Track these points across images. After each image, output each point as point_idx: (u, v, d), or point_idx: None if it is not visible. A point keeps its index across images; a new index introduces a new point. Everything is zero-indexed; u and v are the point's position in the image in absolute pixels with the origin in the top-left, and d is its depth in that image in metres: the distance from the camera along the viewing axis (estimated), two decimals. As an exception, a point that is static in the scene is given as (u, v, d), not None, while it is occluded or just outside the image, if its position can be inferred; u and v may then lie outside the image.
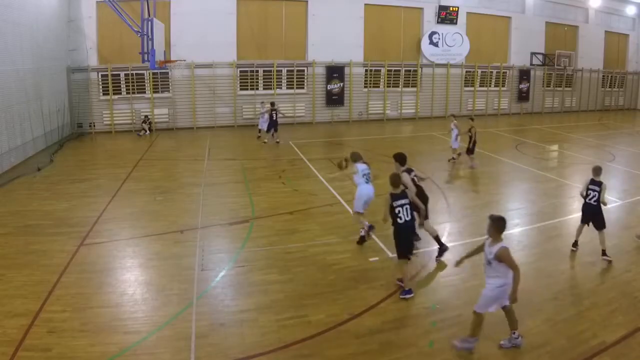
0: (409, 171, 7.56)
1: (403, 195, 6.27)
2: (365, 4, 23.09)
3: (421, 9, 24.41)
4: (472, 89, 26.30)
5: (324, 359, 5.07)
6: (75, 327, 5.54)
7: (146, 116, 19.96)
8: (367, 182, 7.93)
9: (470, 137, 13.66)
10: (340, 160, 8.58)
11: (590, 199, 7.62)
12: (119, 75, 19.89)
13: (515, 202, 10.88)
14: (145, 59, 15.10)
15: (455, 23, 24.92)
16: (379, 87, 24.22)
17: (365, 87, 23.92)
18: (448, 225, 9.14)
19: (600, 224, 7.58)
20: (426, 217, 7.31)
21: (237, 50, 21.27)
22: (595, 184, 7.62)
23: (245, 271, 7.10)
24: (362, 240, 7.98)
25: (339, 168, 8.69)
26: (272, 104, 17.06)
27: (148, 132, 19.57)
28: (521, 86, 27.60)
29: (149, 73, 19.91)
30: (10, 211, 9.73)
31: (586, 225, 7.78)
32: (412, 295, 6.27)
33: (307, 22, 22.32)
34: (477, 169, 13.54)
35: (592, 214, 7.63)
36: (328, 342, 5.33)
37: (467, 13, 25.27)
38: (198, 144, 17.65)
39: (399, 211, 6.17)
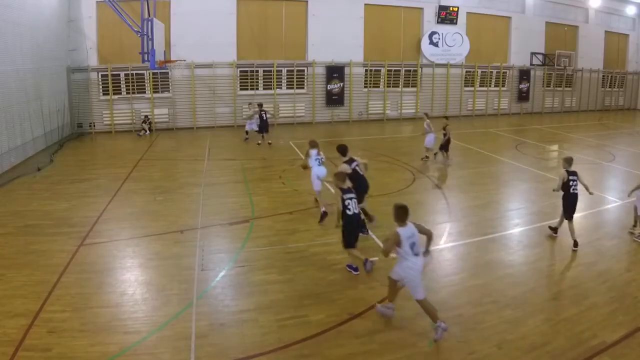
0: (351, 161, 8.19)
1: (351, 190, 6.96)
2: (365, 4, 23.09)
3: (421, 9, 24.41)
4: (472, 89, 26.31)
5: (324, 359, 5.07)
6: (75, 327, 5.54)
7: (146, 116, 19.97)
8: (319, 165, 9.38)
9: (445, 135, 13.96)
10: (304, 164, 9.65)
11: (573, 190, 7.97)
12: (119, 75, 19.89)
13: (515, 202, 10.88)
14: (145, 59, 15.10)
15: (455, 23, 24.92)
16: (379, 87, 24.23)
17: (365, 87, 23.92)
18: (448, 225, 9.13)
19: (572, 214, 8.02)
20: (360, 201, 7.68)
21: (237, 50, 21.27)
22: (574, 174, 8.05)
23: (245, 271, 7.10)
24: (323, 218, 8.95)
25: (303, 169, 9.74)
26: (260, 104, 16.91)
27: (148, 132, 19.58)
28: (521, 86, 27.61)
29: (149, 73, 19.91)
30: (10, 211, 9.72)
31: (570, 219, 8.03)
32: (357, 273, 6.95)
33: (307, 22, 22.32)
34: (450, 166, 13.88)
35: (574, 204, 7.98)
36: (328, 342, 5.33)
37: (467, 13, 25.28)
38: (198, 144, 17.65)
39: (349, 204, 6.79)
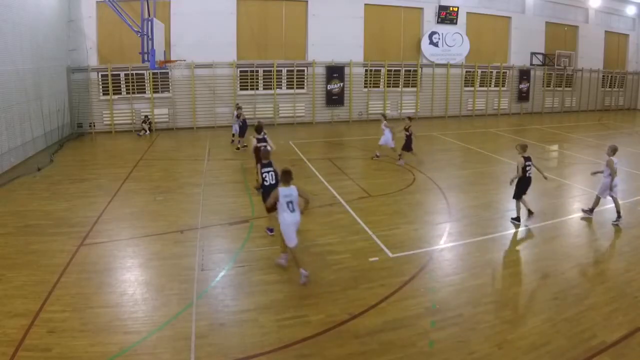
0: (264, 140, 10.23)
1: (269, 164, 8.13)
2: (365, 4, 23.10)
3: (421, 9, 24.42)
4: (472, 89, 26.31)
5: (324, 359, 5.07)
6: (75, 327, 5.54)
7: (146, 116, 19.97)
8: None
9: (408, 136, 13.85)
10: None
11: (529, 174, 8.95)
12: (119, 75, 19.89)
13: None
14: (145, 59, 15.10)
15: (455, 23, 24.92)
16: (379, 87, 24.23)
17: (365, 87, 23.92)
18: (448, 225, 9.13)
19: (522, 195, 9.05)
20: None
21: (237, 50, 21.28)
22: (529, 159, 8.99)
23: (245, 271, 7.10)
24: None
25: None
26: (240, 107, 16.59)
27: (148, 132, 19.58)
28: (521, 86, 27.61)
29: (149, 73, 19.92)
30: (10, 211, 9.72)
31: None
32: (273, 233, 8.19)
33: (307, 22, 22.33)
34: (403, 166, 13.79)
35: (528, 187, 9.04)
36: (328, 342, 5.33)
37: (467, 13, 25.28)
38: (198, 144, 17.65)
39: (266, 176, 8.06)
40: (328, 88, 22.91)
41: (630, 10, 30.78)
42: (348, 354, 5.15)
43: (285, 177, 6.62)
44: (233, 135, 17.26)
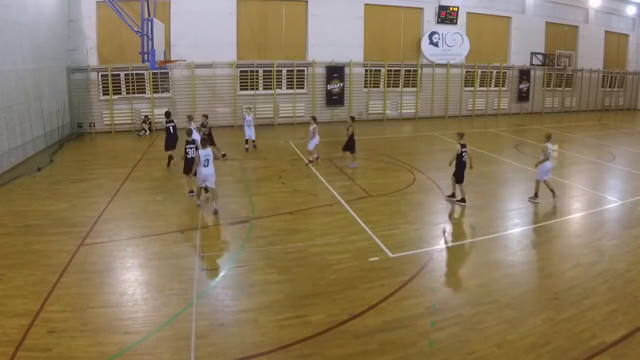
0: (202, 127, 12.71)
1: (193, 142, 10.35)
2: (365, 4, 23.10)
3: (421, 9, 24.42)
4: (472, 89, 26.31)
5: (324, 359, 5.07)
6: (75, 327, 5.54)
7: (146, 116, 19.97)
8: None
9: (350, 137, 13.33)
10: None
11: (464, 159, 10.03)
12: (119, 75, 19.89)
13: (515, 202, 10.87)
14: (145, 59, 15.09)
15: (455, 23, 24.92)
16: (379, 87, 24.23)
17: (365, 87, 23.92)
18: (448, 226, 9.13)
19: (462, 179, 10.16)
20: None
21: (237, 50, 21.28)
22: (464, 146, 10.06)
23: (245, 271, 7.11)
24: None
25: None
26: (206, 116, 14.39)
27: (148, 132, 19.57)
28: (521, 86, 27.61)
29: (149, 73, 19.92)
30: (10, 211, 9.73)
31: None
32: (193, 194, 10.40)
33: (307, 22, 22.33)
34: (356, 168, 13.38)
35: (464, 170, 10.08)
36: (328, 342, 5.33)
37: (467, 13, 25.29)
38: (198, 144, 17.59)
39: (188, 152, 10.33)
40: (328, 88, 22.91)
41: (630, 10, 30.78)
42: (348, 354, 5.15)
43: (204, 143, 9.68)
44: (246, 141, 16.16)
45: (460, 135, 10.21)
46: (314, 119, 14.18)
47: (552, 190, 10.34)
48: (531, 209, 10.22)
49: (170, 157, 13.43)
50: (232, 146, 17.35)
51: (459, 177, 10.16)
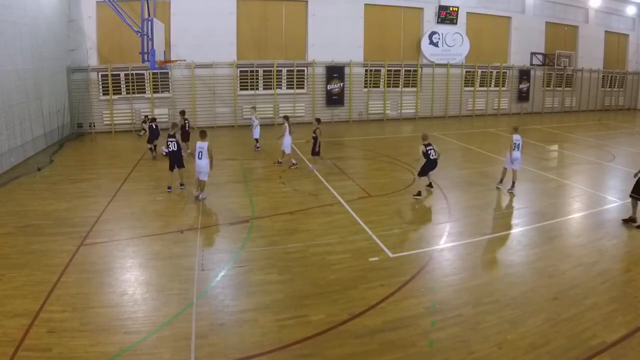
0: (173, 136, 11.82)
1: (173, 135, 11.02)
2: (365, 4, 23.11)
3: (421, 9, 24.42)
4: (472, 89, 26.31)
5: (324, 359, 5.07)
6: (75, 327, 5.54)
7: (146, 116, 19.94)
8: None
9: (315, 139, 13.07)
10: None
11: (432, 157, 10.44)
12: (119, 75, 19.89)
13: (515, 202, 10.87)
14: (145, 59, 15.08)
15: (455, 23, 24.93)
16: (379, 87, 24.23)
17: (365, 87, 23.93)
18: (448, 225, 9.13)
19: (427, 174, 10.75)
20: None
21: (237, 50, 21.28)
22: (430, 145, 10.47)
23: (245, 271, 7.11)
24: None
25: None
26: (182, 112, 15.23)
27: (148, 132, 19.53)
28: (521, 86, 27.62)
29: (149, 73, 19.92)
30: (10, 211, 9.72)
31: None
32: (184, 186, 11.25)
33: (307, 22, 22.33)
34: (317, 172, 12.99)
35: (433, 167, 10.58)
36: (328, 342, 5.33)
37: (467, 13, 25.29)
38: (198, 144, 17.58)
39: (169, 145, 10.95)
40: (328, 88, 22.91)
41: (630, 10, 30.79)
42: (348, 354, 5.14)
43: (202, 135, 10.21)
44: (256, 140, 16.16)
45: (425, 137, 10.65)
46: (287, 118, 13.83)
47: (513, 181, 11.12)
48: (531, 209, 10.22)
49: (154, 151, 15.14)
50: (232, 146, 17.36)
51: (423, 171, 10.68)
